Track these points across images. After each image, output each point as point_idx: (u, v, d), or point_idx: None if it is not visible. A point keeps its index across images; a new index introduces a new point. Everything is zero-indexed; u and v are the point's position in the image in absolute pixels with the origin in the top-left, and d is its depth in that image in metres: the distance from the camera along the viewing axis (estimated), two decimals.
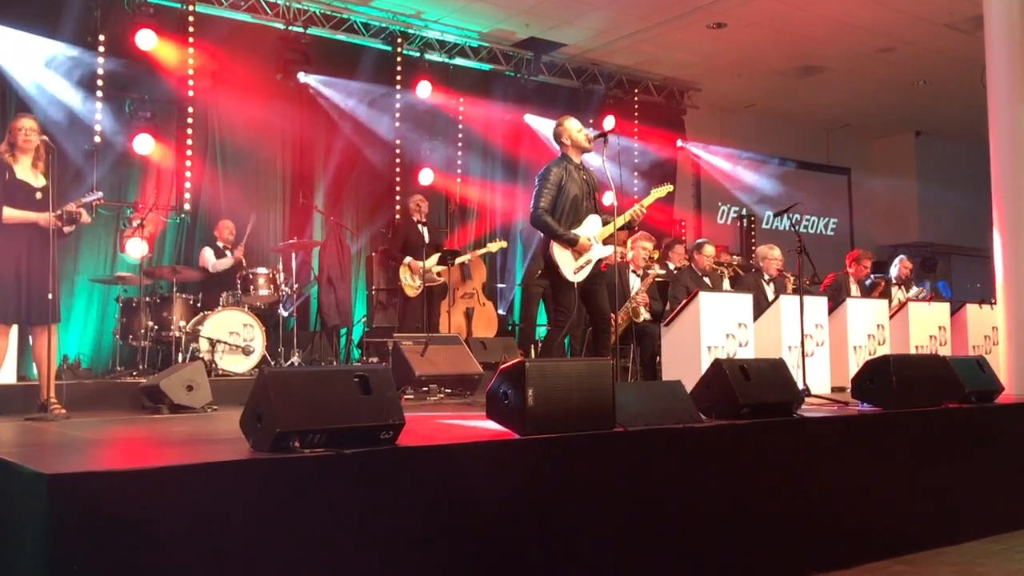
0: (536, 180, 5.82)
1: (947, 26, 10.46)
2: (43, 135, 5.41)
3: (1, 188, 5.20)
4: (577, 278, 5.70)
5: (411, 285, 8.83)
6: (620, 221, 5.79)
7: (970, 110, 9.81)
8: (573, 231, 5.69)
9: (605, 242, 5.81)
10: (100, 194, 5.50)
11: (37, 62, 8.31)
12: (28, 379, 6.48)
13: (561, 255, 5.70)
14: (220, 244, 8.55)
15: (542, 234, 5.83)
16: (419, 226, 9.12)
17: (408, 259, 8.86)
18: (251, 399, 3.11)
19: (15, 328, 5.69)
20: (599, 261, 5.79)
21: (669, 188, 6.40)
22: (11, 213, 5.20)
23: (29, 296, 5.20)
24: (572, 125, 5.86)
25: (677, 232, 12.25)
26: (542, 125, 11.51)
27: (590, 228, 5.76)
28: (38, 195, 5.28)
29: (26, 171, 5.32)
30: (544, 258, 5.82)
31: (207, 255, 8.45)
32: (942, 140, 15.24)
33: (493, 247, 9.52)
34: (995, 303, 7.57)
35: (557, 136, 5.92)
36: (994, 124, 7.14)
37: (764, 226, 13.72)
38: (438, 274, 8.90)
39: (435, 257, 8.88)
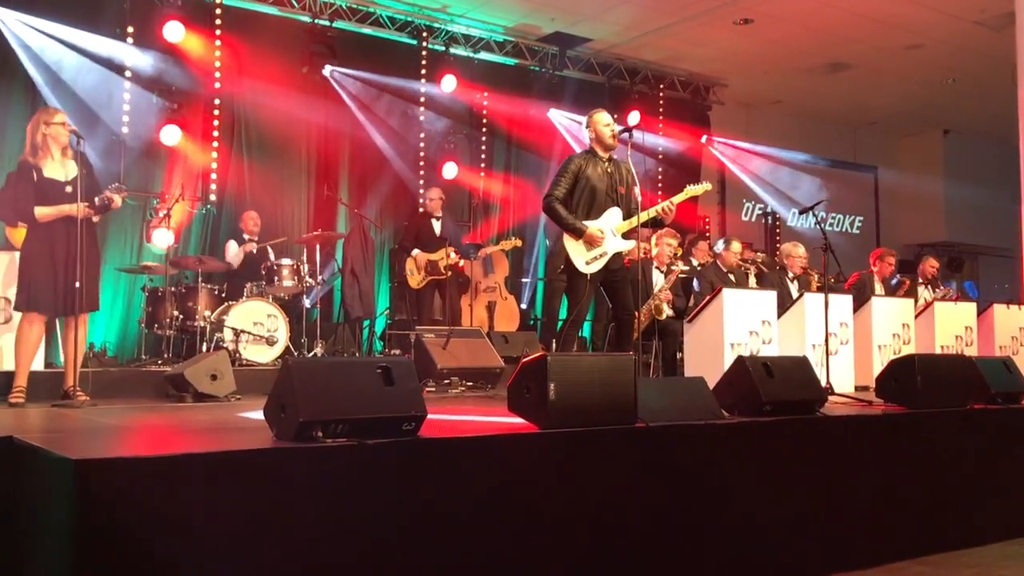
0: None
1: (977, 23, 10.34)
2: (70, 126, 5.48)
3: (32, 191, 5.28)
4: (589, 269, 5.68)
5: (413, 277, 8.93)
6: (644, 216, 5.68)
7: (999, 108, 9.70)
8: (587, 222, 5.68)
9: (628, 237, 5.77)
10: (118, 185, 5.51)
11: (65, 52, 8.38)
12: (55, 366, 6.55)
13: (572, 245, 5.69)
14: (246, 236, 8.61)
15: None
16: (432, 220, 9.20)
17: (415, 251, 8.95)
18: (275, 389, 3.14)
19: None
20: (619, 255, 5.77)
21: (707, 187, 6.29)
22: (43, 211, 5.27)
23: (67, 286, 5.25)
24: (599, 119, 5.85)
25: (701, 228, 12.21)
26: (567, 120, 11.50)
27: (608, 220, 5.73)
28: (67, 188, 5.33)
29: (52, 167, 5.37)
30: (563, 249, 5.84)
31: (231, 249, 8.51)
32: (970, 139, 15.08)
33: (507, 245, 9.55)
34: (1023, 304, 7.50)
35: (587, 127, 5.93)
36: (1023, 123, 7.07)
37: (789, 223, 13.64)
38: (445, 268, 8.94)
39: (443, 251, 8.94)
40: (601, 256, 5.68)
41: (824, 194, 13.17)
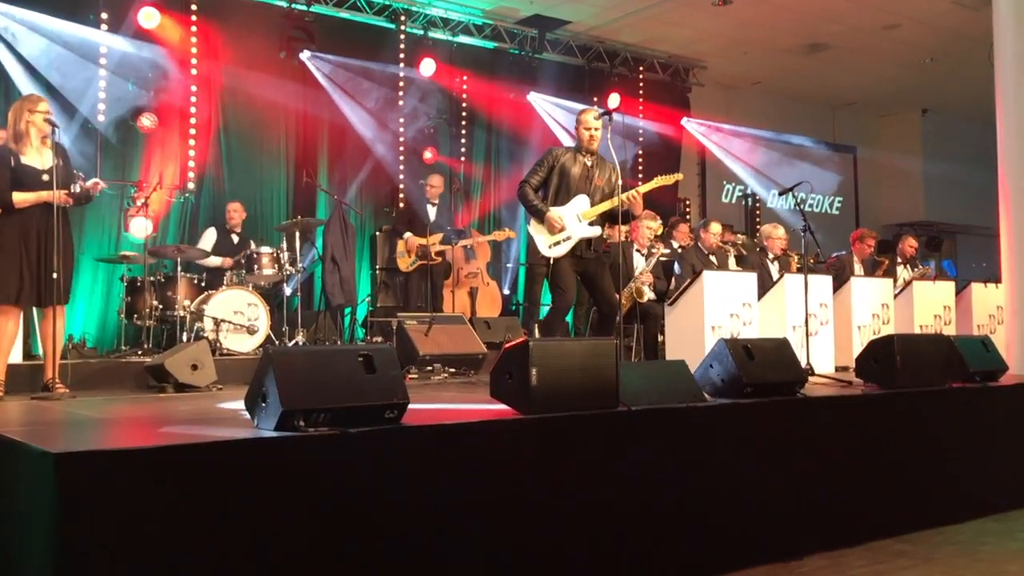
0: None
1: (954, 3, 10.38)
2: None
3: (9, 177, 5.20)
4: (552, 253, 5.77)
5: (403, 259, 8.91)
6: (607, 205, 5.79)
7: (977, 88, 9.73)
8: (552, 208, 5.73)
9: (606, 223, 5.82)
10: (95, 180, 5.46)
11: (38, 40, 8.28)
12: (35, 358, 6.50)
13: (536, 230, 5.81)
14: (228, 226, 8.54)
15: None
16: (428, 206, 9.19)
17: (407, 235, 8.92)
18: (256, 378, 3.12)
19: None
20: (589, 243, 5.80)
21: (678, 176, 6.34)
22: (21, 196, 5.21)
23: (39, 277, 5.20)
24: (582, 119, 5.94)
25: (681, 211, 12.22)
26: (546, 104, 11.47)
27: (573, 207, 5.79)
28: (44, 176, 5.28)
29: (32, 155, 5.32)
30: None
31: (207, 239, 8.44)
32: (949, 118, 15.16)
33: (499, 236, 9.54)
34: (1000, 282, 7.56)
35: (575, 124, 6.04)
36: (1001, 102, 7.11)
37: (769, 205, 13.68)
38: (436, 254, 8.92)
39: (437, 237, 8.91)
40: (565, 240, 5.74)
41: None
